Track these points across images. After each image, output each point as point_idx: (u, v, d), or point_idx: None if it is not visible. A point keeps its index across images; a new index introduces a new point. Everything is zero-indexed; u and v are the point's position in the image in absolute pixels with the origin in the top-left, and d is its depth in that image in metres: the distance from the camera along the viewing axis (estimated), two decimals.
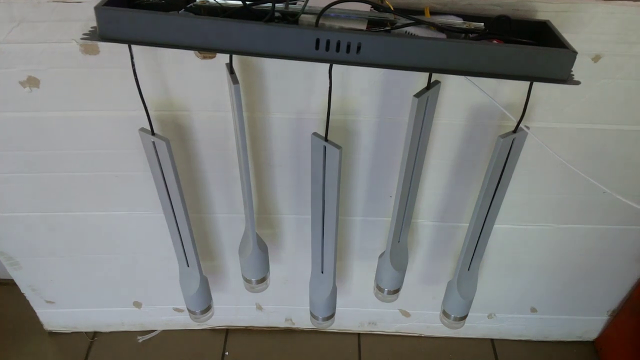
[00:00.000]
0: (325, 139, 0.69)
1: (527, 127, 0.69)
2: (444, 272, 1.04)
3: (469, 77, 0.68)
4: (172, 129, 0.78)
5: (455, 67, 0.57)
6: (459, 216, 0.92)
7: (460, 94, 0.72)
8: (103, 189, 0.88)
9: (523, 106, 0.65)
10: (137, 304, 1.15)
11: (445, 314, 0.92)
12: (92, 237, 0.98)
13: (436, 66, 0.56)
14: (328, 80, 0.63)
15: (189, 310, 0.97)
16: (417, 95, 0.62)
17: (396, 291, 0.91)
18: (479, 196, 0.75)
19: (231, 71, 0.64)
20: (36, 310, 1.16)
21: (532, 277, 1.06)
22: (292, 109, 0.75)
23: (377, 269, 0.89)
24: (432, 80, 0.65)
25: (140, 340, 1.19)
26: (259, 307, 1.17)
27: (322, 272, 0.89)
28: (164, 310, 1.16)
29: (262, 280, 0.91)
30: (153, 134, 0.70)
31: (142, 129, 0.71)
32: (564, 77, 0.57)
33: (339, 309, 1.14)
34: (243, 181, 0.75)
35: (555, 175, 0.84)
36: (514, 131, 0.68)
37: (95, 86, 0.73)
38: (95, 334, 1.20)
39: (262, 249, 0.86)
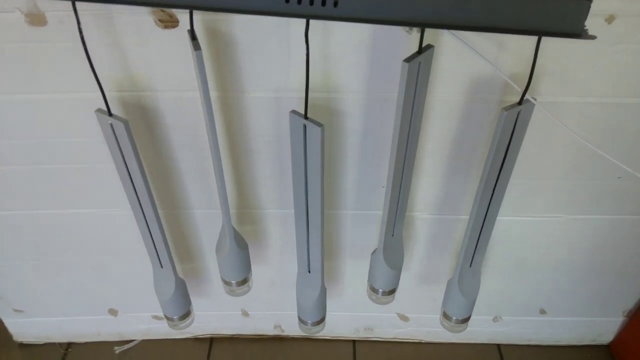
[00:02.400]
0: (305, 117, 0.61)
1: (534, 99, 0.60)
2: (445, 271, 0.96)
3: (467, 43, 0.60)
4: (136, 113, 0.70)
5: (450, 20, 0.49)
6: (459, 208, 0.84)
7: (457, 64, 0.64)
8: (66, 184, 0.80)
9: (528, 75, 0.57)
10: (113, 312, 1.06)
11: (445, 316, 0.83)
12: (57, 238, 0.89)
13: (428, 20, 0.48)
14: (306, 49, 0.55)
15: (166, 317, 0.88)
16: (408, 60, 0.54)
17: (391, 292, 0.83)
18: (480, 181, 0.67)
19: (193, 37, 0.55)
20: (4, 320, 1.07)
21: (540, 276, 0.97)
22: (269, 86, 0.67)
23: (370, 267, 0.81)
24: (425, 44, 0.57)
25: (117, 351, 1.10)
26: (245, 314, 1.08)
27: (309, 272, 0.81)
28: (142, 318, 1.07)
29: (243, 282, 0.82)
30: (110, 114, 0.62)
31: (99, 110, 0.63)
32: (577, 31, 0.49)
33: (331, 314, 1.06)
34: (215, 168, 0.66)
35: (565, 159, 0.76)
36: (519, 102, 0.60)
37: (45, 64, 0.65)
38: (69, 345, 1.11)
39: (241, 246, 0.78)
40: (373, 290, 0.82)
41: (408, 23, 0.52)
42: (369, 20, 0.48)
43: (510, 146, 0.64)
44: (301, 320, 0.88)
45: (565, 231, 0.88)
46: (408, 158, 0.66)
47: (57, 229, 0.87)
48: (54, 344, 1.11)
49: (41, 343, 1.11)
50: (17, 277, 0.97)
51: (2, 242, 0.90)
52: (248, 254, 0.81)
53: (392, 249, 0.76)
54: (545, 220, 0.86)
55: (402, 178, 0.68)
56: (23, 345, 1.11)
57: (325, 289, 0.84)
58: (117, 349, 1.10)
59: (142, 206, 0.70)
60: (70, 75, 0.66)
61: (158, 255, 0.78)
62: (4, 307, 1.04)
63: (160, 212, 0.85)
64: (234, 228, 0.77)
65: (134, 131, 0.72)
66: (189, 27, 0.58)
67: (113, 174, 0.75)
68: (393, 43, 0.62)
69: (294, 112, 0.61)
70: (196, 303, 1.03)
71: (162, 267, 0.80)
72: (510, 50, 0.63)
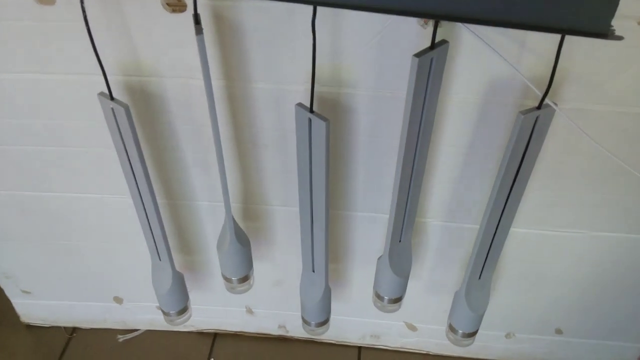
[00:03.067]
0: (311, 110, 0.58)
1: (555, 104, 0.56)
2: (458, 281, 0.92)
3: (485, 40, 0.57)
4: (142, 99, 0.69)
5: (465, 12, 0.45)
6: (473, 216, 0.80)
7: (475, 63, 0.60)
8: (72, 168, 0.79)
9: (550, 75, 0.53)
10: (118, 300, 1.05)
11: (451, 328, 0.79)
12: (63, 221, 0.89)
13: (440, 11, 0.45)
14: (313, 39, 0.52)
15: (162, 311, 0.87)
16: (418, 54, 0.51)
17: (397, 300, 0.79)
18: (493, 189, 0.63)
19: (196, 21, 0.53)
20: (12, 300, 1.08)
21: (557, 293, 0.92)
22: (276, 78, 0.65)
23: (376, 273, 0.78)
24: (439, 40, 0.53)
25: (120, 340, 1.09)
26: (250, 311, 1.06)
27: (313, 271, 0.78)
28: (146, 308, 1.07)
29: (244, 279, 0.80)
30: (112, 98, 0.61)
31: (101, 94, 0.61)
32: (604, 30, 0.45)
33: (337, 317, 1.03)
34: (217, 159, 0.64)
35: (590, 170, 0.71)
36: (538, 107, 0.56)
37: (54, 44, 0.64)
38: (74, 329, 1.11)
39: (243, 242, 0.76)
40: (378, 297, 0.79)
41: (419, 14, 0.48)
42: (378, 9, 0.45)
43: (527, 153, 0.60)
44: (305, 321, 0.85)
45: (587, 248, 0.83)
46: (418, 160, 0.63)
47: (63, 212, 0.87)
48: (59, 327, 1.11)
49: (47, 326, 1.11)
50: (26, 258, 0.97)
51: (9, 222, 0.90)
52: (250, 250, 0.79)
53: (399, 256, 0.73)
54: (565, 235, 0.81)
55: (410, 181, 0.65)
56: (30, 327, 1.12)
57: (330, 289, 0.81)
58: (121, 338, 1.09)
59: (141, 194, 0.69)
60: (77, 57, 0.65)
61: (156, 246, 0.76)
62: (13, 287, 1.04)
63: (164, 202, 0.84)
64: (236, 223, 0.75)
65: (139, 118, 0.71)
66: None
67: (117, 159, 0.74)
68: (407, 37, 0.58)
69: (299, 105, 0.59)
70: (200, 297, 1.01)
71: (160, 259, 0.79)
72: (533, 51, 0.59)
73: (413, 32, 0.58)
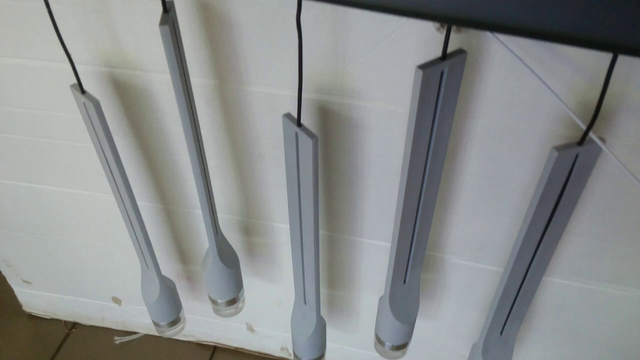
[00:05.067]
0: (298, 124, 0.49)
1: (602, 140, 0.44)
2: (478, 326, 0.80)
3: (517, 54, 0.45)
4: (127, 93, 0.62)
5: (490, 17, 0.35)
6: (499, 258, 0.68)
7: (507, 80, 0.49)
8: (62, 161, 0.74)
9: (595, 106, 0.41)
10: (117, 300, 1.00)
11: None
12: (56, 216, 0.84)
13: (461, 14, 0.35)
14: (299, 39, 0.43)
15: (153, 322, 0.80)
16: (425, 66, 0.40)
17: (401, 347, 0.69)
18: (519, 233, 0.51)
19: (165, 8, 0.45)
20: (14, 289, 1.05)
21: (595, 355, 0.78)
22: (272, 81, 0.56)
23: (377, 315, 0.67)
24: (457, 49, 0.43)
25: (117, 342, 1.04)
26: (250, 329, 0.98)
27: (305, 303, 0.69)
28: (145, 312, 1.00)
29: (231, 302, 0.72)
30: (83, 92, 0.54)
31: (73, 86, 0.55)
32: None
33: (344, 348, 0.94)
34: (193, 166, 0.57)
35: None
36: (580, 143, 0.44)
37: (33, 26, 0.58)
38: (74, 324, 1.07)
39: (228, 262, 0.68)
40: (379, 341, 0.69)
41: (432, 16, 0.38)
42: (377, 7, 0.35)
43: (564, 196, 0.48)
44: (296, 356, 0.76)
45: (633, 308, 0.69)
46: (427, 190, 0.52)
47: (55, 207, 0.82)
48: (60, 320, 1.08)
49: (48, 317, 1.08)
50: (24, 249, 0.94)
51: (5, 211, 0.86)
52: (238, 271, 0.70)
53: (402, 299, 0.62)
54: (611, 291, 0.67)
55: (417, 214, 0.54)
56: (31, 317, 1.09)
57: (324, 323, 0.72)
58: (117, 340, 1.04)
59: (121, 195, 0.62)
60: (56, 41, 0.59)
61: (142, 252, 0.70)
62: (14, 276, 1.01)
63: (159, 207, 0.78)
64: (223, 240, 0.67)
65: (125, 114, 0.65)
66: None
67: None
68: (422, 42, 0.48)
69: (287, 116, 0.50)
70: (200, 308, 0.95)
71: (147, 267, 0.72)
72: (582, 70, 0.47)
73: (429, 36, 0.47)
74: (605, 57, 0.41)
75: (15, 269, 0.99)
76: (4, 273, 1.01)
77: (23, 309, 1.08)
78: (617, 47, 0.36)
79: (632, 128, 0.49)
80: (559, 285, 0.68)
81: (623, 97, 0.47)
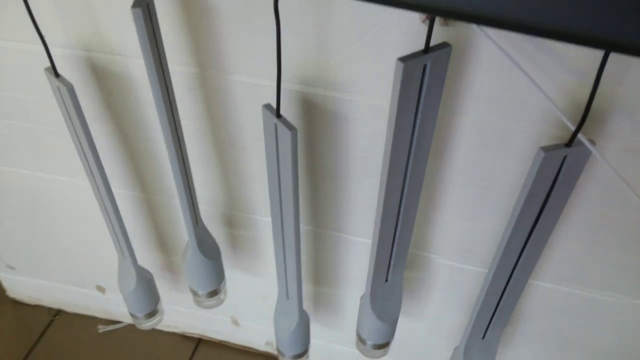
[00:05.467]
0: (277, 115, 0.47)
1: (592, 142, 0.42)
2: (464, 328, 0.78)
3: (504, 49, 0.43)
4: (108, 80, 0.60)
5: (475, 9, 0.33)
6: (485, 259, 0.66)
7: (496, 77, 0.47)
8: (42, 147, 0.72)
9: (585, 106, 0.39)
10: (101, 289, 0.99)
11: None
12: (40, 202, 0.83)
13: (440, 5, 0.33)
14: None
15: (129, 313, 0.78)
16: (405, 59, 0.38)
17: (383, 346, 0.67)
18: (504, 235, 0.50)
19: None
20: None
21: None
22: (254, 70, 0.54)
23: (359, 313, 0.66)
24: (441, 42, 0.41)
25: (100, 331, 1.03)
26: (235, 322, 0.97)
27: (288, 298, 0.67)
28: None
29: (212, 294, 0.71)
30: (57, 75, 0.52)
31: (47, 69, 0.53)
32: None
33: (329, 345, 0.92)
34: (169, 153, 0.55)
35: (637, 227, 0.56)
36: (568, 144, 0.42)
37: (11, 6, 0.56)
38: (58, 311, 1.06)
39: (208, 253, 0.66)
40: (361, 340, 0.67)
41: (415, 6, 0.36)
42: None
43: (551, 198, 0.46)
44: (279, 352, 0.75)
45: (627, 317, 0.67)
46: (410, 187, 0.50)
47: (38, 193, 0.81)
48: (44, 307, 1.07)
49: (32, 304, 1.07)
50: (7, 234, 0.92)
51: None
52: (219, 262, 0.69)
53: (384, 298, 0.61)
54: (601, 298, 0.65)
55: (399, 211, 0.52)
56: (15, 302, 1.08)
57: (307, 318, 0.71)
58: (101, 329, 1.03)
59: (96, 182, 0.60)
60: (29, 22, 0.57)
61: (118, 242, 0.68)
62: None
63: (139, 196, 0.76)
64: (204, 231, 0.65)
65: (104, 100, 0.63)
66: None
67: None
68: (408, 35, 0.46)
69: (266, 107, 0.48)
70: (184, 299, 0.93)
71: (124, 257, 0.70)
72: (574, 69, 0.45)
73: (414, 30, 0.45)
74: (599, 56, 0.39)
75: None
76: None
77: (7, 294, 1.07)
78: (609, 45, 0.34)
79: (625, 130, 0.47)
80: (547, 289, 0.67)
81: (616, 98, 0.45)
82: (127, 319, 1.04)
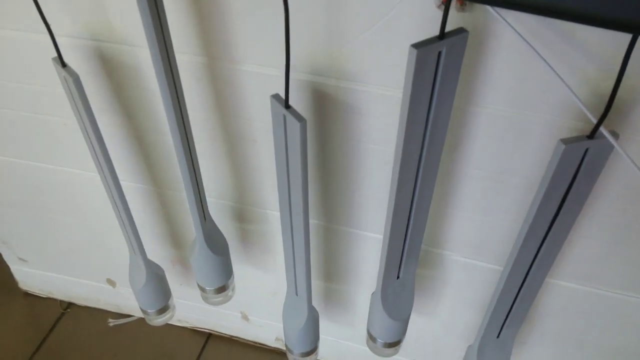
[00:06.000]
0: (286, 105, 0.46)
1: (615, 134, 0.40)
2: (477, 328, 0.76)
3: (523, 36, 0.41)
4: (116, 70, 0.59)
5: None
6: (501, 256, 0.64)
7: (516, 66, 0.45)
8: (53, 138, 0.72)
9: (609, 96, 0.37)
10: (111, 282, 0.99)
11: None
12: (51, 194, 0.82)
13: None
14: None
15: (140, 308, 0.78)
16: (419, 45, 0.37)
17: (394, 344, 0.66)
18: (521, 231, 0.48)
19: None
20: (10, 266, 1.04)
21: None
22: (264, 60, 0.53)
23: (369, 311, 0.64)
24: (457, 27, 0.39)
25: (111, 324, 1.03)
26: (245, 317, 0.96)
27: (297, 295, 0.66)
28: None
29: (220, 290, 0.69)
30: (63, 65, 0.51)
31: (54, 59, 0.52)
32: None
33: (341, 342, 0.91)
34: (175, 146, 0.54)
35: None
36: (590, 136, 0.40)
37: None
38: (69, 304, 1.06)
39: (216, 249, 0.65)
40: (371, 338, 0.66)
41: None
42: None
43: (571, 193, 0.44)
44: (288, 349, 0.74)
45: None
46: (423, 181, 0.49)
47: (49, 185, 0.80)
48: (56, 300, 1.07)
49: (44, 296, 1.07)
50: (19, 226, 0.92)
51: (1, 188, 0.85)
52: (227, 258, 0.68)
53: (395, 295, 0.59)
54: (621, 297, 0.63)
55: (412, 206, 0.50)
56: (27, 294, 1.08)
57: (317, 316, 0.69)
58: (112, 322, 1.03)
59: (104, 174, 0.60)
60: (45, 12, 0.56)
61: (128, 237, 0.67)
62: (9, 253, 1.00)
63: (151, 189, 0.75)
64: (212, 225, 0.64)
65: (113, 91, 0.62)
66: None
67: None
68: (424, 21, 0.44)
69: (275, 97, 0.47)
70: (194, 294, 0.92)
71: (134, 252, 0.69)
72: (597, 57, 0.43)
73: (430, 16, 0.43)
74: (625, 42, 0.37)
75: (11, 246, 0.98)
76: (0, 250, 1.00)
77: (19, 286, 1.08)
78: (636, 28, 0.32)
79: None
80: (566, 288, 0.64)
81: (635, 89, 0.43)
82: (138, 313, 1.04)
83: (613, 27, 0.31)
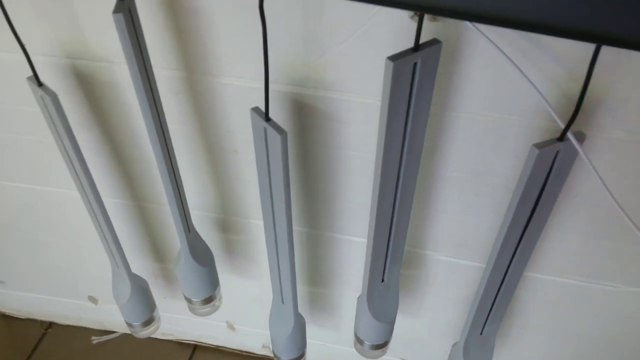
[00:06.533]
0: (266, 118, 0.46)
1: (582, 134, 0.42)
2: (461, 325, 0.78)
3: (496, 44, 0.43)
4: (93, 86, 0.59)
5: (459, 4, 0.32)
6: (482, 254, 0.66)
7: (489, 71, 0.47)
8: (28, 157, 0.71)
9: (577, 100, 0.39)
10: (93, 299, 0.97)
11: None
12: (28, 213, 0.81)
13: (429, 1, 0.33)
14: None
15: (126, 322, 0.77)
16: (395, 57, 0.38)
17: (381, 346, 0.67)
18: (499, 233, 0.49)
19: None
20: None
21: (581, 350, 0.77)
22: (242, 72, 0.53)
23: (356, 314, 0.65)
24: (431, 39, 0.40)
25: (94, 342, 1.02)
26: (231, 327, 0.96)
27: (282, 302, 0.66)
28: None
29: (207, 300, 0.70)
30: (40, 84, 0.51)
31: (30, 78, 0.52)
32: None
33: (328, 345, 0.92)
34: (158, 161, 0.54)
35: (633, 215, 0.56)
36: (560, 139, 0.42)
37: None
38: (50, 324, 1.05)
39: (201, 260, 0.65)
40: (359, 340, 0.67)
41: (404, 4, 0.36)
42: None
43: (545, 192, 0.46)
44: (275, 356, 0.74)
45: (620, 304, 0.67)
46: (404, 185, 0.50)
47: (26, 204, 0.79)
48: (36, 320, 1.05)
49: (23, 317, 1.05)
50: None
51: None
52: (213, 268, 0.68)
53: (381, 298, 0.60)
54: (598, 288, 0.66)
55: (394, 210, 0.52)
56: (6, 316, 1.06)
57: (303, 322, 0.70)
58: (95, 339, 1.02)
59: (85, 191, 0.59)
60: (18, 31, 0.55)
61: (111, 251, 0.67)
62: None
63: (131, 204, 0.75)
64: (196, 237, 0.65)
65: (89, 108, 0.62)
66: None
67: None
68: (399, 31, 0.45)
69: (255, 110, 0.47)
70: (178, 306, 0.92)
71: (117, 266, 0.69)
72: (565, 62, 0.45)
73: (405, 26, 0.44)
74: (588, 46, 0.39)
75: None
76: None
77: None
78: (600, 38, 0.33)
79: (613, 121, 0.47)
80: (544, 281, 0.67)
81: (606, 89, 0.45)
82: (121, 329, 1.03)
83: (579, 38, 0.33)
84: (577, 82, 0.45)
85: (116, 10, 0.41)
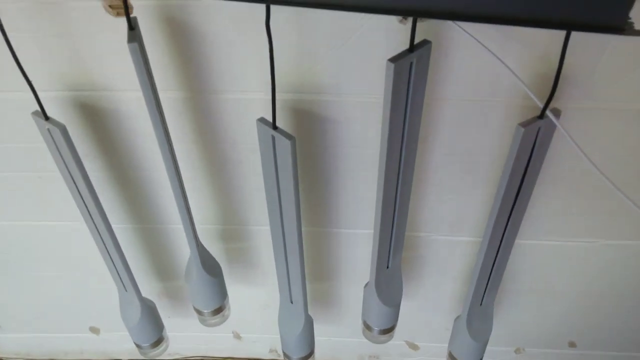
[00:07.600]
0: (274, 127, 0.50)
1: (558, 111, 0.48)
2: (460, 297, 0.83)
3: (476, 37, 0.48)
4: (94, 115, 0.61)
5: (450, 7, 0.37)
6: (477, 229, 0.71)
7: (469, 61, 0.52)
8: (26, 194, 0.72)
9: (553, 80, 0.45)
10: (95, 330, 0.98)
11: (452, 357, 0.71)
12: (26, 251, 0.81)
13: (420, 7, 0.37)
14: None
15: (135, 344, 0.79)
16: (395, 59, 0.42)
17: (389, 330, 0.71)
18: (493, 209, 0.55)
19: (130, 26, 0.45)
20: None
21: (570, 305, 0.84)
22: (245, 86, 0.57)
23: (363, 302, 0.69)
24: (421, 40, 0.45)
25: None
26: (237, 336, 0.98)
27: (291, 302, 0.70)
28: (126, 337, 0.98)
29: (218, 311, 0.72)
30: (46, 118, 0.53)
31: (35, 113, 0.53)
32: (619, 24, 0.36)
33: (332, 339, 0.95)
34: (170, 180, 0.56)
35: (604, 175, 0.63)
36: (540, 116, 0.47)
37: None
38: None
39: (212, 272, 0.68)
40: (368, 327, 0.71)
41: (392, 10, 0.40)
42: (340, 6, 0.37)
43: (530, 165, 0.52)
44: (286, 355, 0.77)
45: (601, 258, 0.74)
46: (404, 174, 0.55)
47: (24, 241, 0.79)
48: None
49: (22, 359, 1.04)
50: None
51: None
52: (221, 279, 0.70)
53: (387, 284, 0.65)
54: (578, 245, 0.72)
55: (396, 199, 0.56)
56: None
57: (311, 320, 0.73)
58: None
59: (94, 220, 0.61)
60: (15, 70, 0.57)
61: (119, 276, 0.68)
62: None
63: (135, 227, 0.77)
64: (204, 251, 0.67)
65: (93, 137, 0.63)
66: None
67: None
68: (387, 35, 0.50)
69: (261, 120, 0.51)
70: (183, 323, 0.94)
71: (125, 290, 0.71)
72: (536, 46, 0.50)
73: (393, 29, 0.49)
74: (555, 32, 0.44)
75: None
76: None
77: None
78: (569, 25, 0.39)
79: (581, 93, 0.54)
80: (530, 245, 0.73)
81: (573, 65, 0.51)
82: (125, 355, 1.03)
83: (553, 26, 0.38)
84: (547, 62, 0.51)
85: (130, 40, 0.44)
